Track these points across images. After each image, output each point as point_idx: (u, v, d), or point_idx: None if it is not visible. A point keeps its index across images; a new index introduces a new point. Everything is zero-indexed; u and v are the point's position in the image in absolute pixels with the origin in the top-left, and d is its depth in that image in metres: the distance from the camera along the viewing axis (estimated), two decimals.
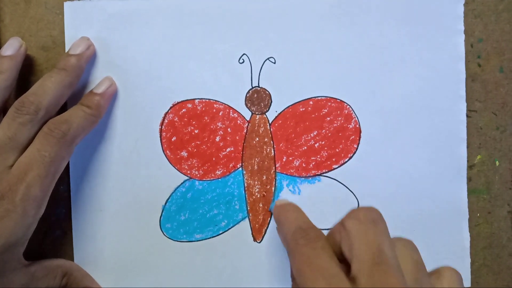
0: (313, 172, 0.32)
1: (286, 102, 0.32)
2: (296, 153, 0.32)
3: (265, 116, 0.32)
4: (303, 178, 0.32)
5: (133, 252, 0.32)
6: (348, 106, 0.32)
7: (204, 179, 0.32)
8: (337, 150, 0.32)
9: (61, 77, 0.29)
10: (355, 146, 0.32)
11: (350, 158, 0.32)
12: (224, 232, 0.32)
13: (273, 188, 0.32)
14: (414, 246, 0.24)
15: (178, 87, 0.32)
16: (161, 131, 0.32)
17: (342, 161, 0.32)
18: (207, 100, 0.32)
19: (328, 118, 0.32)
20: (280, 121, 0.32)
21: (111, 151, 0.32)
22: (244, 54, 0.32)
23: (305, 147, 0.32)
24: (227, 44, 0.32)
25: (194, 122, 0.32)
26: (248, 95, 0.32)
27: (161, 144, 0.32)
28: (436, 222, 0.32)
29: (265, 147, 0.32)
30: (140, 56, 0.32)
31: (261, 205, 0.32)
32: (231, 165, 0.32)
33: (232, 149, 0.32)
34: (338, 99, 0.32)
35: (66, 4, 0.32)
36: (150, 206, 0.32)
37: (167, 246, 0.32)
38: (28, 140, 0.28)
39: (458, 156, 0.32)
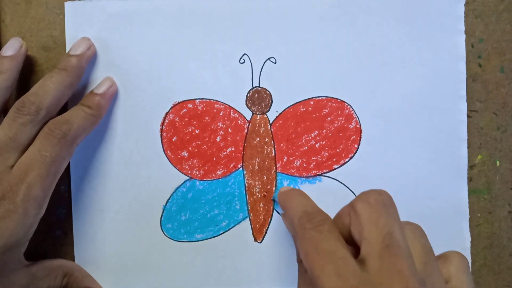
0: (313, 172, 0.32)
1: (286, 102, 0.32)
2: (297, 153, 0.32)
3: (265, 116, 0.32)
4: (304, 178, 0.32)
5: (133, 252, 0.32)
6: (348, 106, 0.32)
7: (204, 179, 0.32)
8: (337, 150, 0.32)
9: (62, 77, 0.29)
10: (356, 146, 0.32)
11: (351, 158, 0.32)
12: (225, 232, 0.32)
13: (273, 188, 0.32)
14: (422, 231, 0.24)
15: (179, 87, 0.32)
16: (161, 131, 0.32)
17: (342, 161, 0.32)
18: (207, 100, 0.32)
19: (329, 118, 0.32)
20: (280, 121, 0.32)
21: (112, 151, 0.32)
22: (244, 54, 0.32)
23: (306, 147, 0.32)
24: (228, 44, 0.32)
25: (194, 122, 0.32)
26: (248, 95, 0.32)
27: (162, 144, 0.32)
28: (437, 222, 0.32)
29: (265, 147, 0.32)
30: (140, 56, 0.32)
31: (261, 205, 0.32)
32: (231, 165, 0.32)
33: (232, 149, 0.32)
34: (339, 99, 0.32)
35: (66, 4, 0.32)
36: (150, 206, 0.32)
37: (167, 246, 0.32)
38: (29, 140, 0.28)
39: (459, 156, 0.32)
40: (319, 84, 0.32)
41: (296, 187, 0.32)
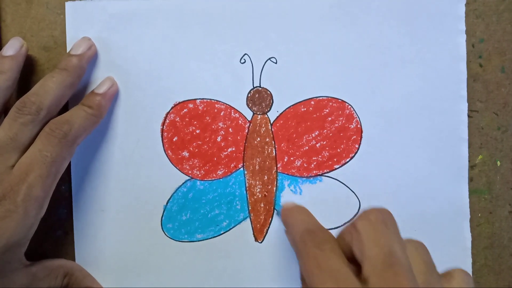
0: (314, 172, 0.32)
1: (287, 102, 0.32)
2: (298, 153, 0.32)
3: (266, 116, 0.32)
4: (305, 178, 0.32)
5: (134, 252, 0.32)
6: (349, 106, 0.32)
7: (205, 179, 0.32)
8: (338, 150, 0.32)
9: (63, 77, 0.29)
10: (357, 146, 0.32)
11: (352, 158, 0.32)
12: (226, 232, 0.32)
13: (274, 188, 0.32)
14: (425, 248, 0.24)
15: (179, 87, 0.32)
16: (162, 131, 0.32)
17: (343, 161, 0.32)
18: (208, 100, 0.32)
19: (330, 118, 0.32)
20: (281, 121, 0.32)
21: (113, 151, 0.32)
22: (245, 54, 0.32)
23: (307, 147, 0.32)
24: (228, 44, 0.32)
25: (195, 122, 0.32)
26: (249, 95, 0.32)
27: (163, 144, 0.32)
28: (438, 222, 0.32)
29: (266, 147, 0.32)
30: (141, 56, 0.32)
31: (262, 205, 0.32)
32: (232, 165, 0.32)
33: (233, 149, 0.32)
34: (340, 99, 0.32)
35: (67, 4, 0.32)
36: (151, 206, 0.32)
37: (168, 246, 0.32)
38: (30, 140, 0.28)
39: (459, 156, 0.32)
40: (319, 84, 0.32)
41: (297, 187, 0.32)
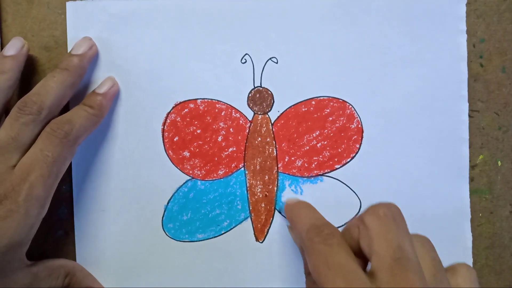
0: (315, 172, 0.32)
1: (288, 102, 0.32)
2: (298, 153, 0.32)
3: (267, 116, 0.32)
4: (305, 178, 0.32)
5: (135, 252, 0.32)
6: (350, 106, 0.32)
7: (206, 179, 0.32)
8: (339, 150, 0.32)
9: (64, 77, 0.29)
10: (357, 146, 0.32)
11: (353, 158, 0.32)
12: (226, 232, 0.32)
13: (275, 188, 0.32)
14: (431, 244, 0.24)
15: (180, 87, 0.32)
16: (163, 131, 0.32)
17: (344, 161, 0.32)
18: (209, 100, 0.32)
19: (330, 118, 0.32)
20: (282, 121, 0.32)
21: (113, 151, 0.32)
22: (246, 54, 0.32)
23: (307, 147, 0.32)
24: (229, 44, 0.32)
25: (196, 122, 0.32)
26: (250, 95, 0.32)
27: (163, 144, 0.32)
28: (438, 222, 0.32)
29: (267, 147, 0.32)
30: (142, 56, 0.32)
31: (263, 205, 0.32)
32: (233, 165, 0.32)
33: (234, 149, 0.32)
34: (340, 99, 0.32)
35: (68, 4, 0.32)
36: (152, 206, 0.32)
37: (169, 246, 0.32)
38: (31, 140, 0.28)
39: (460, 156, 0.32)
40: (320, 84, 0.32)
41: (298, 187, 0.32)
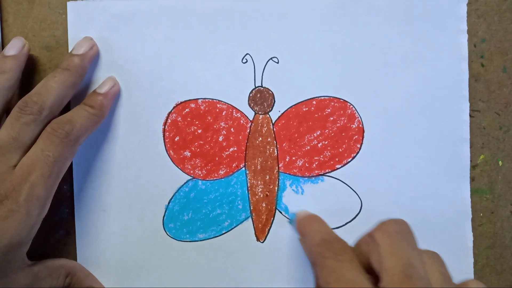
0: (316, 172, 0.32)
1: (289, 102, 0.32)
2: (299, 153, 0.32)
3: (268, 116, 0.32)
4: (306, 178, 0.32)
5: (136, 252, 0.32)
6: (351, 106, 0.32)
7: (207, 179, 0.32)
8: (340, 150, 0.32)
9: (64, 77, 0.29)
10: (358, 146, 0.32)
11: (353, 158, 0.32)
12: (227, 232, 0.32)
13: (276, 188, 0.32)
14: (441, 259, 0.24)
15: (181, 87, 0.32)
16: (164, 131, 0.32)
17: (345, 161, 0.32)
18: (210, 100, 0.32)
19: (331, 118, 0.32)
20: (283, 121, 0.32)
21: (114, 151, 0.32)
22: (247, 54, 0.32)
23: (308, 147, 0.32)
24: (230, 44, 0.32)
25: (197, 122, 0.32)
26: (251, 95, 0.32)
27: (164, 144, 0.32)
28: (439, 222, 0.32)
29: (268, 147, 0.32)
30: (143, 56, 0.32)
31: (264, 205, 0.32)
32: (234, 165, 0.32)
33: (235, 149, 0.32)
34: (341, 99, 0.32)
35: (69, 4, 0.32)
36: (153, 206, 0.32)
37: (170, 246, 0.32)
38: (32, 140, 0.28)
39: (461, 156, 0.32)
40: (321, 84, 0.32)
41: (299, 187, 0.32)
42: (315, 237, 0.25)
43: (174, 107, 0.32)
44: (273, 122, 0.32)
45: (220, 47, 0.32)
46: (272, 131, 0.32)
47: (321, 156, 0.32)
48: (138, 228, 0.32)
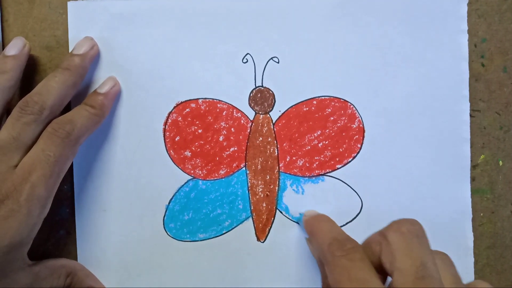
0: (316, 172, 0.32)
1: (289, 102, 0.32)
2: (300, 153, 0.32)
3: (268, 115, 0.32)
4: (307, 178, 0.32)
5: (136, 252, 0.32)
6: (351, 106, 0.32)
7: (207, 179, 0.32)
8: (340, 150, 0.32)
9: (65, 77, 0.29)
10: (359, 146, 0.32)
11: (354, 158, 0.32)
12: (228, 231, 0.32)
13: (276, 188, 0.32)
14: (451, 260, 0.24)
15: (182, 87, 0.32)
16: (164, 130, 0.32)
17: (345, 161, 0.32)
18: (210, 100, 0.32)
19: (332, 118, 0.32)
20: (283, 121, 0.32)
21: (115, 151, 0.32)
22: (247, 53, 0.32)
23: (309, 147, 0.32)
24: (231, 44, 0.32)
25: (197, 122, 0.32)
26: (251, 94, 0.32)
27: (165, 143, 0.32)
28: (440, 222, 0.32)
29: (268, 146, 0.32)
30: (143, 56, 0.32)
31: (264, 205, 0.32)
32: (234, 165, 0.32)
33: (235, 148, 0.32)
34: (342, 99, 0.32)
35: (69, 4, 0.32)
36: (153, 206, 0.32)
37: (170, 246, 0.32)
38: (32, 140, 0.28)
39: (462, 156, 0.32)
40: (322, 84, 0.32)
41: (299, 187, 0.32)
42: (326, 236, 0.25)
43: (174, 107, 0.32)
44: (274, 122, 0.32)
45: (221, 47, 0.32)
46: (273, 131, 0.32)
47: (322, 156, 0.32)
48: (138, 228, 0.32)
